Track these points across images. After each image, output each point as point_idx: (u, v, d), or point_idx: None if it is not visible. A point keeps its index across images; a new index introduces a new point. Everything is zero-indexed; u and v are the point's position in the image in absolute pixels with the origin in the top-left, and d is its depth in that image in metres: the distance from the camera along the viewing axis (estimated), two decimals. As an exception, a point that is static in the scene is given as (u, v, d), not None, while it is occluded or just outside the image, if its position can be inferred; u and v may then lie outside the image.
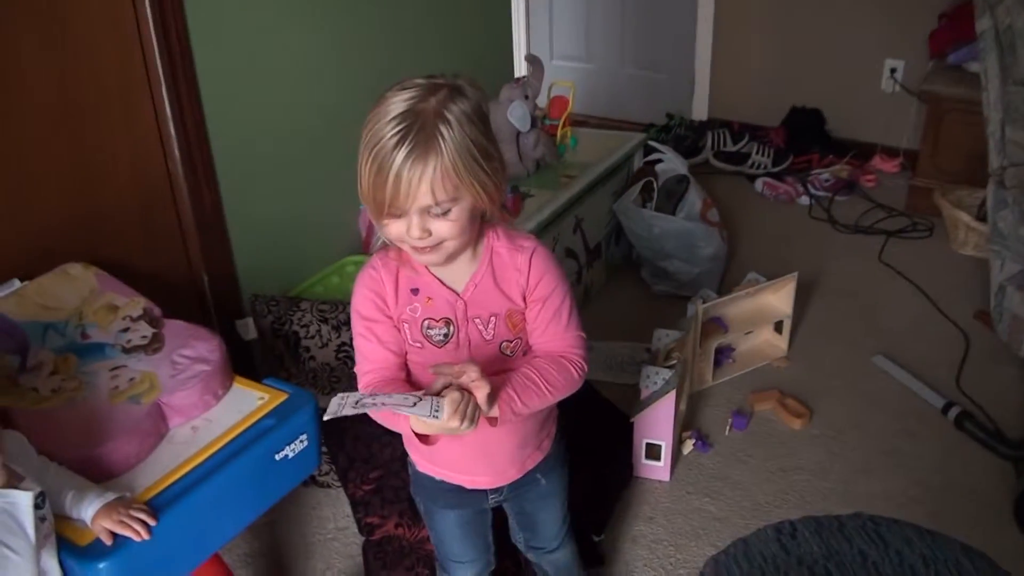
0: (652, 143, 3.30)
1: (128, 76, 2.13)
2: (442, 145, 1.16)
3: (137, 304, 1.90)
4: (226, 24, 2.27)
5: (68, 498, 1.46)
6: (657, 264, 3.11)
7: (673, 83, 4.64)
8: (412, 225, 1.21)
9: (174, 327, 1.87)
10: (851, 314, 3.03)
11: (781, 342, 2.80)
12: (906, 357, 2.75)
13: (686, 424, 2.49)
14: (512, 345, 1.38)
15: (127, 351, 1.81)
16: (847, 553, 0.62)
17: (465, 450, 1.42)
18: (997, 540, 2.07)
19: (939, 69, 3.67)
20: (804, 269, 2.78)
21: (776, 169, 4.08)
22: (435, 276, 1.34)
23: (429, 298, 1.34)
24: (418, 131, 1.16)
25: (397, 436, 1.35)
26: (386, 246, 1.33)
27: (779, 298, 2.76)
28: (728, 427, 2.50)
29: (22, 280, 1.88)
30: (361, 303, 1.36)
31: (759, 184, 4.00)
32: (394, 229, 1.24)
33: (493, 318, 1.35)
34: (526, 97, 2.85)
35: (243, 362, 2.18)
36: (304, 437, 1.72)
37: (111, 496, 1.47)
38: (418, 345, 1.35)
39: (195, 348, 1.80)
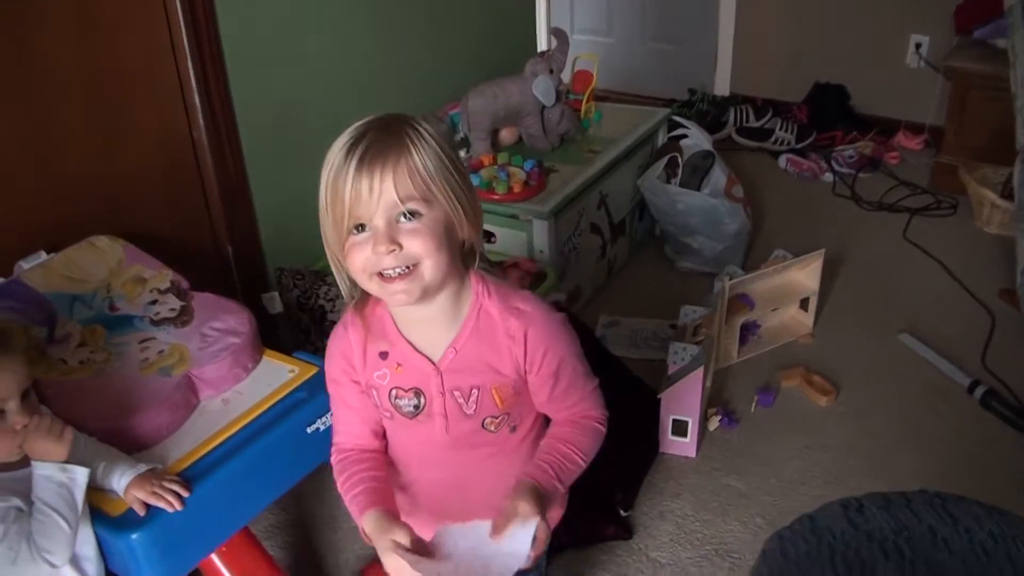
0: (677, 118, 3.26)
1: (153, 45, 2.11)
2: (410, 145, 1.04)
3: (164, 277, 1.90)
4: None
5: (100, 469, 1.47)
6: (681, 240, 3.08)
7: (695, 58, 4.58)
8: (379, 236, 1.05)
9: (203, 300, 1.87)
10: (876, 292, 3.00)
11: (807, 319, 2.78)
12: (931, 335, 2.72)
13: (712, 400, 2.47)
14: (497, 421, 1.22)
15: (156, 323, 1.81)
16: (916, 529, 0.60)
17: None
18: (1026, 519, 2.05)
19: (964, 45, 3.61)
20: (829, 246, 2.75)
21: (799, 145, 4.03)
22: (407, 340, 1.18)
23: (399, 364, 1.19)
24: (379, 131, 1.05)
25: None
26: (360, 302, 1.19)
27: (806, 275, 2.73)
28: (754, 404, 2.48)
29: (48, 252, 1.88)
30: (329, 363, 1.25)
31: (783, 160, 3.95)
32: (359, 255, 1.07)
33: (475, 391, 1.19)
34: (551, 71, 2.82)
35: (269, 336, 2.17)
36: (335, 410, 1.72)
37: (143, 467, 1.48)
38: (388, 415, 1.23)
39: (225, 321, 1.80)
